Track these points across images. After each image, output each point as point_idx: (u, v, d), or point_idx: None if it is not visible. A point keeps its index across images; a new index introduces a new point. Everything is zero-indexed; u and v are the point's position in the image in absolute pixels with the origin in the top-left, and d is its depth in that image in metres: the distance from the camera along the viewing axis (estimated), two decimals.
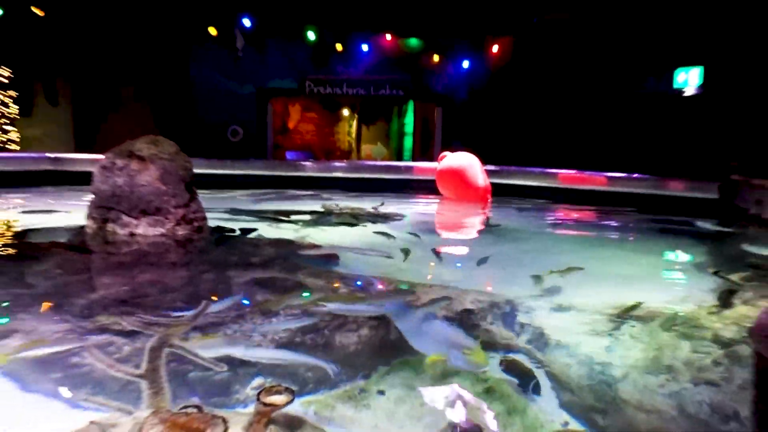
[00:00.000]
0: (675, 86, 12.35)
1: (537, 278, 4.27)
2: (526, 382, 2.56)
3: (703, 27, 11.24)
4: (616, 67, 13.18)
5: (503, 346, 2.96)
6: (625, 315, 3.35)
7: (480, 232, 7.28)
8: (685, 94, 12.23)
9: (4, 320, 3.15)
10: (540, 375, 2.67)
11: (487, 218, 8.02)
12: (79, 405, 2.25)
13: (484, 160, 9.54)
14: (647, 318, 3.34)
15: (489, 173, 9.43)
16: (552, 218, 8.64)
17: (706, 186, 9.23)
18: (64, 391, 2.36)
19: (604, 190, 10.03)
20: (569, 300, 3.74)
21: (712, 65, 11.63)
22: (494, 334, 3.15)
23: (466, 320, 3.35)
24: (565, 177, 10.47)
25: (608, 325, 3.24)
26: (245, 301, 3.58)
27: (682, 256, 6.17)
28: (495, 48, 15.72)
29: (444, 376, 2.58)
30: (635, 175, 10.13)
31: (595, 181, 10.24)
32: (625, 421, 2.28)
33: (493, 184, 9.36)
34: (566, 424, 2.27)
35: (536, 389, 2.52)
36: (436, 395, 2.40)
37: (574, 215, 8.99)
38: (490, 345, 2.98)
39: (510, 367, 2.74)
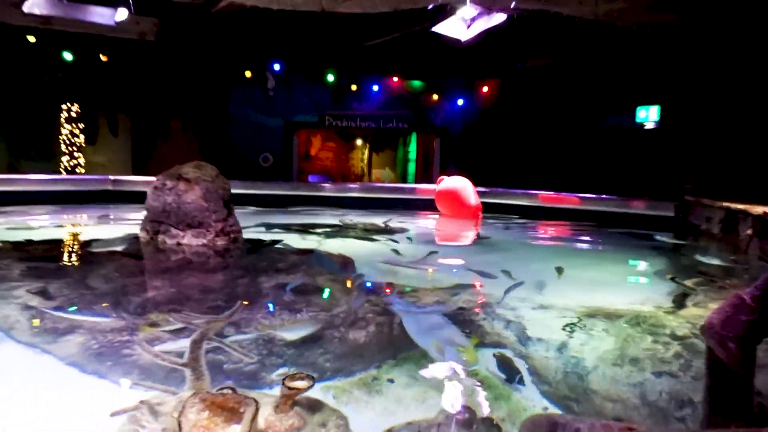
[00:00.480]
0: (637, 121, 12.35)
1: (520, 282, 4.25)
2: (512, 374, 2.53)
3: (661, 71, 11.26)
4: (587, 104, 13.17)
5: (492, 342, 2.93)
6: (595, 314, 3.32)
7: (472, 243, 7.26)
8: (645, 128, 12.22)
9: (71, 315, 3.14)
10: (522, 367, 2.63)
11: (478, 232, 7.99)
12: (131, 387, 2.24)
13: (476, 183, 9.52)
14: (614, 316, 3.31)
15: (480, 194, 9.41)
16: (533, 232, 8.61)
17: (664, 205, 9.20)
18: (118, 376, 2.34)
19: (576, 208, 10.00)
20: (548, 300, 3.72)
21: (668, 104, 11.65)
22: (484, 330, 3.13)
23: (460, 318, 3.33)
24: (544, 197, 10.45)
25: (581, 322, 3.22)
26: (271, 303, 3.57)
27: (643, 265, 6.12)
28: (485, 88, 15.77)
29: (442, 368, 2.56)
30: (603, 196, 10.09)
31: (569, 200, 10.21)
32: (595, 408, 2.24)
33: (483, 203, 9.34)
34: (546, 409, 2.24)
35: (520, 380, 2.48)
36: (435, 384, 2.38)
37: (552, 229, 8.95)
38: (480, 340, 2.95)
39: (497, 360, 2.71)
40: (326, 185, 12.57)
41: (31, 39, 11.94)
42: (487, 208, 9.53)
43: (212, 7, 10.86)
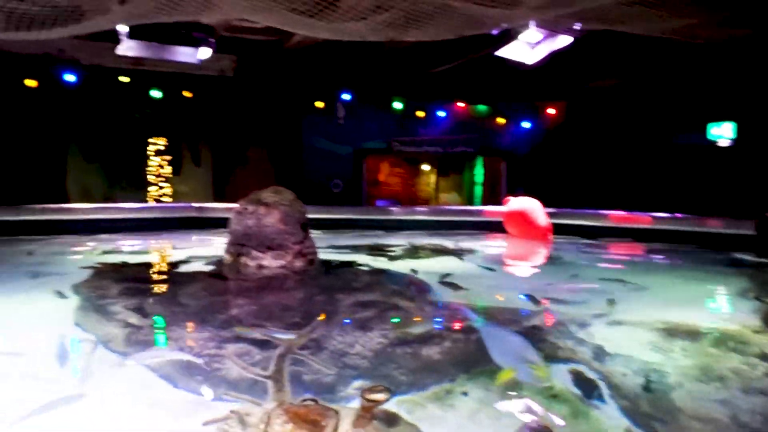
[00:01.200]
0: (709, 138, 11.81)
1: (594, 300, 4.11)
2: (589, 390, 2.44)
3: (736, 87, 10.75)
4: (656, 123, 12.73)
5: (567, 357, 2.84)
6: (675, 331, 3.17)
7: (543, 263, 7.09)
8: (719, 145, 11.67)
9: (163, 330, 3.28)
10: (601, 384, 2.53)
11: (549, 252, 7.80)
12: (220, 398, 2.30)
13: (545, 204, 9.32)
14: (696, 334, 3.15)
15: (549, 214, 9.20)
16: (605, 252, 8.31)
17: (742, 224, 8.68)
18: (207, 387, 2.41)
19: (649, 228, 9.58)
20: (624, 318, 3.58)
21: (744, 120, 11.10)
22: (559, 347, 3.04)
23: (533, 335, 3.25)
24: (615, 217, 10.08)
25: (661, 339, 3.08)
26: (347, 320, 3.61)
27: (723, 283, 5.77)
28: (551, 110, 15.53)
29: (517, 383, 2.50)
30: (677, 215, 9.64)
31: (641, 220, 9.80)
32: (681, 428, 2.12)
33: (553, 224, 9.12)
34: (628, 429, 2.13)
35: (599, 397, 2.39)
36: (511, 399, 2.33)
37: (624, 249, 8.61)
38: (555, 357, 2.86)
39: (574, 376, 2.62)
40: (394, 209, 12.62)
41: (124, 79, 12.74)
42: (557, 229, 9.30)
43: (285, 43, 11.27)
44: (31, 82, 11.95)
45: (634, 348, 2.95)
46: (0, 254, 6.96)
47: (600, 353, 2.90)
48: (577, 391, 2.41)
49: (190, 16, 6.29)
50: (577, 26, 7.65)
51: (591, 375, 2.60)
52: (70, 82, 12.13)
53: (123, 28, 7.45)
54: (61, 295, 4.24)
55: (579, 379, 2.55)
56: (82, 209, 10.65)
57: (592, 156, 14.06)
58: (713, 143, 11.79)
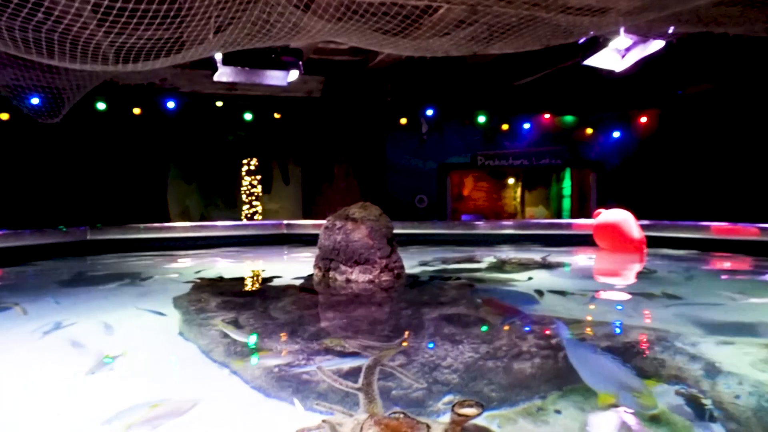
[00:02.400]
0: None
1: (696, 316, 3.88)
2: (694, 411, 2.29)
3: None
4: (757, 128, 11.89)
5: (669, 377, 2.69)
6: None
7: (637, 278, 6.76)
8: None
9: (257, 342, 3.41)
10: (706, 405, 2.38)
11: (643, 266, 7.43)
12: (311, 408, 2.35)
13: (638, 216, 8.91)
14: None
15: (643, 227, 8.78)
16: (706, 266, 7.81)
17: None
18: (298, 398, 2.47)
19: (757, 240, 8.89)
20: (730, 336, 3.35)
21: None
22: (661, 365, 2.88)
23: (629, 352, 3.11)
24: (717, 228, 9.44)
25: None
26: (435, 333, 3.60)
27: None
28: (643, 119, 14.89)
29: (612, 401, 2.39)
30: None
31: (747, 231, 9.12)
32: None
33: (647, 237, 8.69)
34: None
35: (705, 418, 2.24)
36: (606, 418, 2.24)
37: (728, 263, 8.05)
38: (656, 376, 2.71)
39: (676, 395, 2.48)
40: (480, 223, 12.49)
41: (219, 104, 13.46)
42: (652, 242, 8.85)
43: (370, 62, 11.52)
44: (136, 110, 12.89)
45: (744, 367, 2.75)
46: (110, 270, 7.50)
47: (706, 373, 2.73)
48: (680, 413, 2.28)
49: (280, 41, 6.57)
50: (670, 30, 7.31)
51: (696, 395, 2.45)
52: (171, 108, 12.96)
53: (218, 56, 7.90)
54: (165, 307, 4.52)
55: (682, 400, 2.41)
56: (182, 227, 11.29)
57: (689, 165, 13.33)
58: None
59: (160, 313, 4.32)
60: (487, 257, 8.07)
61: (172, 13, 4.99)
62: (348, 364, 2.88)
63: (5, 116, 11.58)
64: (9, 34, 5.01)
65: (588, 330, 3.64)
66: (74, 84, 7.96)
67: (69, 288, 5.90)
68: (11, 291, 5.68)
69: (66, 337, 3.62)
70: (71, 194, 12.60)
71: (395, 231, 6.13)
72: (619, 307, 4.87)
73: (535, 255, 8.15)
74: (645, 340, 3.41)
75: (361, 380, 2.63)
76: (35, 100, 8.55)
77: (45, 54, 5.53)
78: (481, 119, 15.16)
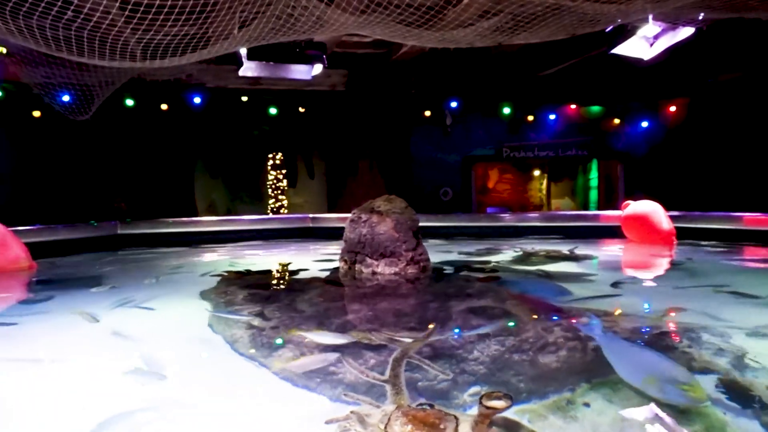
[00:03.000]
0: None
1: (728, 308, 3.79)
2: (726, 403, 2.24)
3: None
4: None
5: (701, 368, 2.63)
6: None
7: (668, 269, 6.64)
8: None
9: (284, 334, 3.43)
10: (740, 397, 2.33)
11: (673, 258, 7.29)
12: (339, 399, 2.35)
13: (667, 207, 8.74)
14: None
15: (672, 218, 8.61)
16: (738, 257, 7.62)
17: None
18: (326, 389, 2.48)
19: None
20: (764, 328, 3.27)
21: None
22: (693, 358, 2.82)
23: (660, 344, 3.05)
24: (750, 219, 9.20)
25: None
26: (461, 325, 3.58)
27: None
28: (672, 108, 14.59)
29: (639, 394, 2.35)
30: None
31: None
32: None
33: (677, 228, 8.52)
34: None
35: (737, 410, 2.19)
36: (636, 410, 2.20)
37: (761, 255, 7.85)
38: (689, 368, 2.65)
39: (709, 388, 2.42)
40: (506, 215, 12.39)
41: (244, 98, 13.56)
42: (682, 233, 8.68)
43: (393, 54, 11.48)
44: (163, 106, 13.05)
45: None
46: (140, 263, 7.63)
47: (739, 365, 2.67)
48: (712, 404, 2.23)
49: (304, 35, 6.59)
50: (700, 16, 7.14)
51: (729, 388, 2.40)
52: (197, 104, 13.10)
53: (242, 51, 7.96)
54: (193, 300, 4.58)
55: (715, 392, 2.36)
56: (209, 221, 11.43)
57: (718, 155, 13.02)
58: None
59: (190, 305, 4.38)
60: (514, 250, 8.00)
61: (197, 9, 5.04)
62: (374, 355, 2.88)
63: (37, 114, 11.84)
64: (40, 33, 5.12)
65: (620, 323, 3.58)
66: (103, 81, 8.11)
67: (101, 282, 5.99)
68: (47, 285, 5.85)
69: (108, 327, 3.69)
70: (101, 189, 12.85)
71: (420, 224, 6.12)
72: (650, 300, 4.79)
73: (563, 247, 8.05)
74: (677, 331, 3.35)
75: (388, 372, 2.63)
76: (66, 98, 8.72)
77: (75, 52, 5.63)
78: (506, 110, 15.02)
